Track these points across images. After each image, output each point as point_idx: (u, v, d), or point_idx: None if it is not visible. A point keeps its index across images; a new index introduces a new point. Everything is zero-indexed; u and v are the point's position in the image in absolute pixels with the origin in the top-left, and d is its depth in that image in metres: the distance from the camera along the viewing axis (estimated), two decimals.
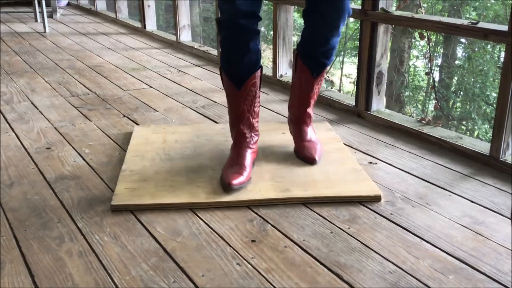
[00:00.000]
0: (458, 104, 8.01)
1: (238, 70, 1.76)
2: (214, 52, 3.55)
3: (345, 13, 1.78)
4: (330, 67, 9.06)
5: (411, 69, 8.47)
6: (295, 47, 1.96)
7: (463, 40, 7.70)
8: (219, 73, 1.85)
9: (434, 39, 7.59)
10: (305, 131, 1.99)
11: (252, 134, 1.86)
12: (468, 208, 1.66)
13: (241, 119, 1.82)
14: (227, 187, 1.71)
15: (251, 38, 1.72)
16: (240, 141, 1.84)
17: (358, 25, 7.73)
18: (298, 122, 2.01)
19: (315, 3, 1.79)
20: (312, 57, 1.89)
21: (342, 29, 1.84)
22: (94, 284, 1.30)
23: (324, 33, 1.82)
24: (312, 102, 1.99)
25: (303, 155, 1.93)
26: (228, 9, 1.69)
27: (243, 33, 1.70)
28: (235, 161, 1.81)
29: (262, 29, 11.38)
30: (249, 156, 1.83)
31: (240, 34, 1.70)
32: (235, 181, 1.71)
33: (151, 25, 4.59)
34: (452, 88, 7.85)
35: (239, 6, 1.65)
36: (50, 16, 5.36)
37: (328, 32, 1.81)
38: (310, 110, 2.00)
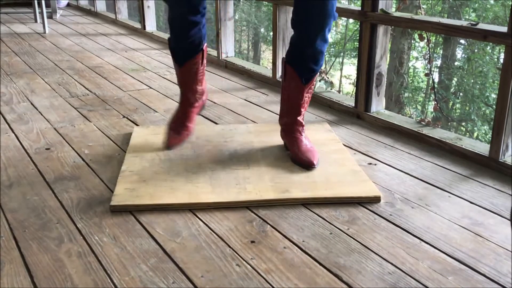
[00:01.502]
0: (458, 105, 8.02)
1: (180, 51, 2.00)
2: (214, 53, 3.56)
3: (329, 17, 1.79)
4: (330, 68, 9.06)
5: (411, 70, 8.48)
6: (284, 56, 1.97)
7: (462, 41, 7.71)
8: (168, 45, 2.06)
9: (433, 40, 7.60)
10: (299, 139, 1.96)
11: (196, 97, 2.10)
12: (467, 209, 1.66)
13: (185, 87, 2.08)
14: (167, 147, 2.03)
15: (192, 27, 1.92)
16: (185, 104, 2.11)
17: (357, 26, 7.74)
18: (290, 132, 1.98)
19: (301, 8, 1.81)
20: (300, 61, 1.88)
21: (329, 35, 1.85)
22: (93, 285, 1.30)
23: (309, 35, 1.82)
24: (303, 111, 1.97)
25: (300, 160, 1.90)
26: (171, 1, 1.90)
27: (184, 24, 1.91)
28: (179, 120, 2.10)
29: (262, 30, 11.40)
30: (193, 115, 2.12)
31: (181, 25, 1.92)
32: (174, 143, 2.04)
33: (150, 26, 4.59)
34: (452, 89, 7.86)
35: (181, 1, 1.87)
36: (50, 17, 5.36)
37: (314, 34, 1.81)
38: (301, 118, 1.97)
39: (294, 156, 1.93)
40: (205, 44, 2.02)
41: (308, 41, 1.83)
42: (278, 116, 2.05)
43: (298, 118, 1.97)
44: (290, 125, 1.98)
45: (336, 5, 1.82)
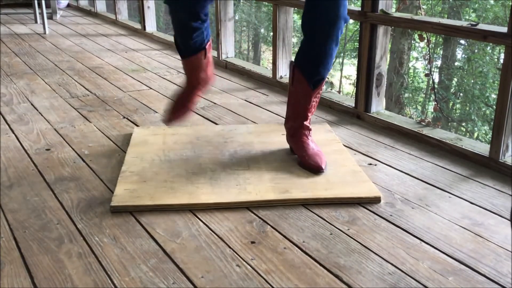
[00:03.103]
0: (458, 106, 8.02)
1: (183, 46, 2.01)
2: (214, 53, 3.56)
3: (340, 20, 1.76)
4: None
5: (411, 70, 8.48)
6: (293, 57, 1.95)
7: (462, 41, 7.71)
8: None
9: (433, 41, 7.60)
10: (306, 143, 1.93)
11: (200, 82, 2.09)
12: (467, 209, 1.66)
13: (189, 74, 2.09)
14: (165, 122, 2.11)
15: (194, 32, 1.93)
16: (189, 86, 2.10)
17: (357, 26, 7.73)
18: (296, 136, 1.95)
19: (311, 11, 1.78)
20: (309, 65, 1.85)
21: (340, 37, 1.83)
22: (93, 285, 1.30)
23: (319, 38, 1.79)
24: (309, 115, 1.94)
25: (308, 165, 1.87)
26: (172, 4, 1.90)
27: (186, 28, 1.92)
28: (181, 99, 2.10)
29: (262, 30, 11.40)
30: (194, 97, 2.12)
31: (183, 29, 1.93)
32: (172, 119, 2.09)
33: (151, 26, 4.59)
34: (452, 90, 7.86)
35: (182, 4, 1.87)
36: (50, 17, 5.36)
37: (324, 38, 1.78)
38: (307, 123, 1.94)
39: (301, 160, 1.90)
40: (209, 42, 2.02)
41: (318, 45, 1.80)
42: (284, 119, 2.02)
43: (305, 122, 1.93)
44: (296, 129, 1.95)
45: (347, 7, 1.79)
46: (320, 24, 1.78)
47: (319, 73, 1.86)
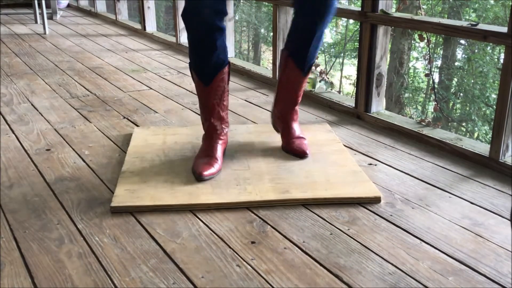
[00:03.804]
0: (458, 106, 8.02)
1: (206, 67, 1.81)
2: None
3: (333, 3, 1.80)
4: (330, 68, 9.06)
5: (411, 70, 8.47)
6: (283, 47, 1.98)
7: (463, 41, 7.71)
8: (189, 69, 1.90)
9: (433, 41, 7.60)
10: (293, 128, 2.02)
11: (223, 126, 1.93)
12: (467, 209, 1.66)
13: (211, 113, 1.89)
14: (198, 178, 1.79)
15: (217, 36, 1.77)
16: (211, 133, 1.91)
17: (357, 26, 7.74)
18: (285, 120, 2.03)
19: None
20: (304, 56, 1.89)
21: (330, 28, 1.88)
22: (93, 286, 1.30)
23: (314, 25, 1.82)
24: (299, 99, 2.02)
25: (293, 150, 1.97)
26: (193, 5, 1.73)
27: (209, 31, 1.75)
28: (206, 152, 1.89)
29: (262, 30, 11.40)
30: (219, 147, 1.91)
31: (206, 32, 1.75)
32: (206, 172, 1.80)
33: (151, 26, 4.59)
34: (452, 90, 7.86)
35: (203, 2, 1.70)
36: (50, 17, 5.36)
37: (318, 24, 1.82)
38: (297, 107, 2.03)
39: (286, 145, 2.00)
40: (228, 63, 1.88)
41: (310, 29, 1.83)
42: (273, 103, 2.07)
43: (296, 107, 2.02)
44: (286, 113, 2.03)
45: (337, 2, 1.83)
46: (313, 9, 1.81)
47: (311, 58, 1.92)
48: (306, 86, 2.05)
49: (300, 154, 1.96)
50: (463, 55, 8.15)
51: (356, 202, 1.69)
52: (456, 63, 8.07)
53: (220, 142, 1.92)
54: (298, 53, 1.90)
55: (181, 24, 3.98)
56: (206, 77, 1.82)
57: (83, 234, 1.52)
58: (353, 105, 2.53)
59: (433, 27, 2.16)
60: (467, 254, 1.43)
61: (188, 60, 1.90)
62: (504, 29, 1.88)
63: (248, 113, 2.56)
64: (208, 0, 1.71)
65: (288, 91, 1.99)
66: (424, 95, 8.47)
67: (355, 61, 7.35)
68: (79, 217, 1.61)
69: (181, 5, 3.98)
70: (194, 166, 1.84)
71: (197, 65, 1.83)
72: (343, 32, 10.13)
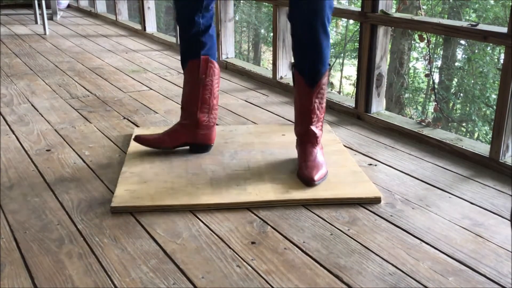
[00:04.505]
0: (458, 106, 8.02)
1: (182, 51, 1.99)
2: None
3: (325, 8, 1.71)
4: (330, 69, 9.06)
5: (411, 71, 8.47)
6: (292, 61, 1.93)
7: (463, 42, 7.71)
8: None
9: (434, 41, 7.60)
10: (309, 151, 1.84)
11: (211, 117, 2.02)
12: (467, 210, 1.66)
13: (185, 97, 2.03)
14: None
15: (194, 30, 1.91)
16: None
17: (357, 27, 7.73)
18: (302, 142, 1.87)
19: (295, 5, 1.76)
20: (303, 62, 1.81)
21: (330, 28, 1.79)
22: (94, 286, 1.30)
23: (306, 31, 1.75)
24: (315, 118, 1.84)
25: (302, 174, 1.79)
26: (178, 6, 1.93)
27: (185, 23, 1.91)
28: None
29: (262, 31, 11.41)
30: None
31: (183, 23, 1.92)
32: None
33: (151, 27, 4.59)
34: (452, 90, 7.86)
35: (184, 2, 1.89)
36: (50, 18, 5.36)
37: (311, 30, 1.73)
38: (314, 128, 1.84)
39: (298, 170, 1.83)
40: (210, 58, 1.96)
41: (306, 38, 1.75)
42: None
43: (311, 127, 1.84)
44: (302, 135, 1.87)
45: (334, 3, 1.77)
46: (304, 15, 1.73)
47: (311, 66, 1.79)
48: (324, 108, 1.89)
49: (306, 182, 1.76)
50: (463, 56, 8.15)
51: (356, 203, 1.69)
52: (456, 64, 8.07)
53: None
54: (300, 65, 1.82)
55: None
56: (182, 61, 2.01)
57: (83, 235, 1.52)
58: (353, 106, 2.53)
59: (433, 28, 2.16)
60: (467, 255, 1.43)
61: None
62: (504, 30, 1.88)
63: (248, 114, 2.56)
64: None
65: (300, 106, 1.85)
66: (424, 96, 8.47)
67: (355, 62, 7.35)
68: (79, 218, 1.61)
69: None
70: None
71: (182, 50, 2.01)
72: (343, 32, 10.13)
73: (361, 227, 1.56)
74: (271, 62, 3.05)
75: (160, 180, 1.81)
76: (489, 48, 7.25)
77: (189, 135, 2.00)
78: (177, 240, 1.50)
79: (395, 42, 7.47)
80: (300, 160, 1.86)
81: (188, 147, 2.04)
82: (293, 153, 2.01)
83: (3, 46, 4.16)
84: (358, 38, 2.67)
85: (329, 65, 1.85)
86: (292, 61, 1.91)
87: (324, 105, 1.86)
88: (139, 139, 2.01)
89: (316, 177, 1.76)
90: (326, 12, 1.73)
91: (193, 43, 1.93)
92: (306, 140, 1.86)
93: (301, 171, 1.81)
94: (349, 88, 10.05)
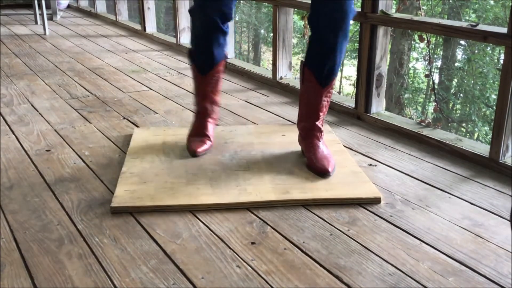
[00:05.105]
0: (458, 106, 8.02)
1: (204, 60, 1.97)
2: None
3: (349, 14, 1.76)
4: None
5: (411, 71, 8.48)
6: (294, 57, 1.94)
7: (462, 42, 7.71)
8: (187, 56, 2.05)
9: (433, 41, 7.60)
10: (316, 145, 1.91)
11: (214, 107, 2.08)
12: (467, 210, 1.66)
13: (205, 97, 2.05)
14: (193, 154, 1.97)
15: (219, 36, 1.91)
16: (203, 114, 2.08)
17: (357, 27, 7.74)
18: (307, 137, 1.93)
19: (318, 6, 1.79)
20: (318, 63, 1.84)
21: (348, 32, 1.82)
22: (93, 286, 1.30)
23: (330, 36, 1.79)
24: (321, 115, 1.92)
25: (315, 167, 1.85)
26: (200, 4, 1.88)
27: (211, 30, 1.89)
28: (198, 130, 2.06)
29: (262, 31, 11.41)
30: (210, 126, 2.08)
31: (209, 31, 1.89)
32: (200, 149, 1.99)
33: (151, 27, 4.59)
34: (452, 90, 7.86)
35: (210, 2, 1.85)
36: (50, 18, 5.36)
37: (334, 35, 1.78)
38: (319, 124, 1.92)
39: (309, 163, 1.88)
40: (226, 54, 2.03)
41: (327, 41, 1.79)
42: (297, 120, 2.00)
43: (317, 123, 1.91)
44: (308, 130, 1.93)
45: (354, 11, 1.79)
46: (328, 20, 1.77)
47: (329, 69, 1.84)
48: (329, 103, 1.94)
49: (321, 173, 1.82)
50: (463, 56, 8.16)
51: (356, 203, 1.69)
52: (456, 64, 8.07)
53: (211, 120, 2.08)
54: (315, 63, 1.85)
55: (181, 25, 3.99)
56: (203, 68, 1.99)
57: (83, 235, 1.52)
58: (353, 106, 2.53)
59: (433, 28, 2.16)
60: (467, 255, 1.43)
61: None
62: (504, 30, 1.88)
63: (248, 114, 2.56)
64: (214, 1, 1.84)
65: (308, 104, 1.90)
66: (424, 96, 8.47)
67: (355, 62, 7.36)
68: (79, 218, 1.61)
69: (181, 5, 3.98)
70: (188, 144, 2.02)
71: (196, 57, 1.99)
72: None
73: (361, 227, 1.56)
74: (271, 62, 3.05)
75: (160, 180, 1.81)
76: (489, 48, 7.25)
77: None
78: (177, 240, 1.50)
79: (395, 43, 7.47)
80: (308, 153, 1.91)
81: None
82: (293, 154, 2.01)
83: (3, 46, 4.16)
84: (358, 38, 2.67)
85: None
86: (301, 59, 1.92)
87: (329, 101, 1.95)
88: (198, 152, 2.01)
89: (330, 168, 1.84)
90: (350, 18, 1.78)
91: (223, 43, 1.96)
92: (312, 134, 1.93)
93: (312, 163, 1.87)
94: (349, 89, 10.05)
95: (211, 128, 2.08)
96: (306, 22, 2.65)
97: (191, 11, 1.91)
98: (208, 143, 2.03)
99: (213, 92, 2.05)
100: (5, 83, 3.10)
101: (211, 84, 2.02)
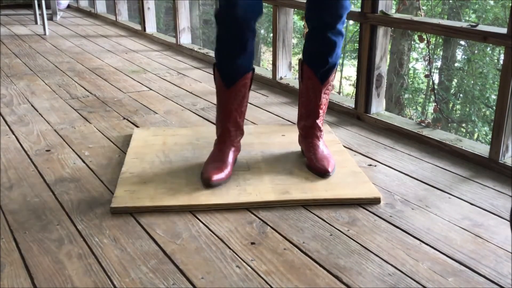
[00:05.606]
0: (458, 107, 8.02)
1: (231, 69, 1.78)
2: (214, 54, 3.55)
3: (345, 9, 1.78)
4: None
5: (411, 71, 8.48)
6: (301, 56, 1.94)
7: (462, 42, 7.71)
8: (212, 69, 1.88)
9: (433, 42, 7.60)
10: (316, 145, 1.90)
11: (237, 133, 1.87)
12: (467, 210, 1.66)
13: (228, 117, 1.83)
14: (206, 183, 1.74)
15: (249, 36, 1.75)
16: (224, 139, 1.85)
17: (357, 27, 7.73)
18: (307, 136, 1.93)
19: (315, 2, 1.80)
20: (316, 58, 1.85)
21: (343, 28, 1.84)
22: (93, 286, 1.30)
23: (326, 32, 1.80)
24: (321, 113, 1.91)
25: (314, 167, 1.84)
26: (226, 4, 1.70)
27: (241, 29, 1.72)
28: (217, 157, 1.83)
29: (262, 31, 11.41)
30: (231, 153, 1.85)
31: (238, 31, 1.72)
32: (215, 177, 1.74)
33: (151, 27, 4.59)
34: (452, 91, 7.86)
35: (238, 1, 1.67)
36: (50, 18, 5.36)
37: (331, 31, 1.80)
38: (319, 122, 1.92)
39: (309, 163, 1.88)
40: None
41: (323, 36, 1.81)
42: (297, 119, 2.00)
43: (317, 121, 1.91)
44: (308, 129, 1.92)
45: (349, 5, 1.80)
46: (325, 16, 1.78)
47: (326, 63, 1.84)
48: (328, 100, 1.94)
49: (321, 174, 1.82)
50: (463, 56, 8.16)
51: (356, 203, 1.69)
52: (456, 64, 8.07)
53: (233, 149, 1.86)
54: (313, 59, 1.86)
55: (181, 25, 3.99)
56: (229, 79, 1.78)
57: (83, 235, 1.52)
58: (353, 106, 2.53)
59: (433, 28, 2.16)
60: (467, 255, 1.43)
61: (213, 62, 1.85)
62: (504, 30, 1.88)
63: (248, 114, 2.56)
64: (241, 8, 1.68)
65: (308, 101, 1.90)
66: (424, 96, 8.47)
67: (355, 62, 7.35)
68: (79, 218, 1.61)
69: (181, 5, 3.98)
70: (203, 170, 1.80)
71: (223, 65, 1.80)
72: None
73: (361, 227, 1.56)
74: (271, 62, 3.05)
75: (159, 180, 1.81)
76: (488, 48, 7.25)
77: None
78: (176, 240, 1.50)
79: (395, 43, 7.47)
80: (308, 153, 1.90)
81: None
82: (293, 154, 2.01)
83: (3, 47, 4.16)
84: (358, 39, 2.67)
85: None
86: (299, 58, 1.93)
87: (328, 99, 1.94)
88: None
89: (330, 168, 1.83)
90: (344, 14, 1.79)
91: (251, 50, 1.80)
92: (312, 133, 1.92)
93: (312, 163, 1.87)
94: (348, 89, 10.05)
95: (231, 156, 1.84)
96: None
97: (218, 11, 1.73)
98: (226, 172, 1.78)
99: (237, 112, 1.82)
100: (5, 83, 3.10)
101: (236, 100, 1.80)
